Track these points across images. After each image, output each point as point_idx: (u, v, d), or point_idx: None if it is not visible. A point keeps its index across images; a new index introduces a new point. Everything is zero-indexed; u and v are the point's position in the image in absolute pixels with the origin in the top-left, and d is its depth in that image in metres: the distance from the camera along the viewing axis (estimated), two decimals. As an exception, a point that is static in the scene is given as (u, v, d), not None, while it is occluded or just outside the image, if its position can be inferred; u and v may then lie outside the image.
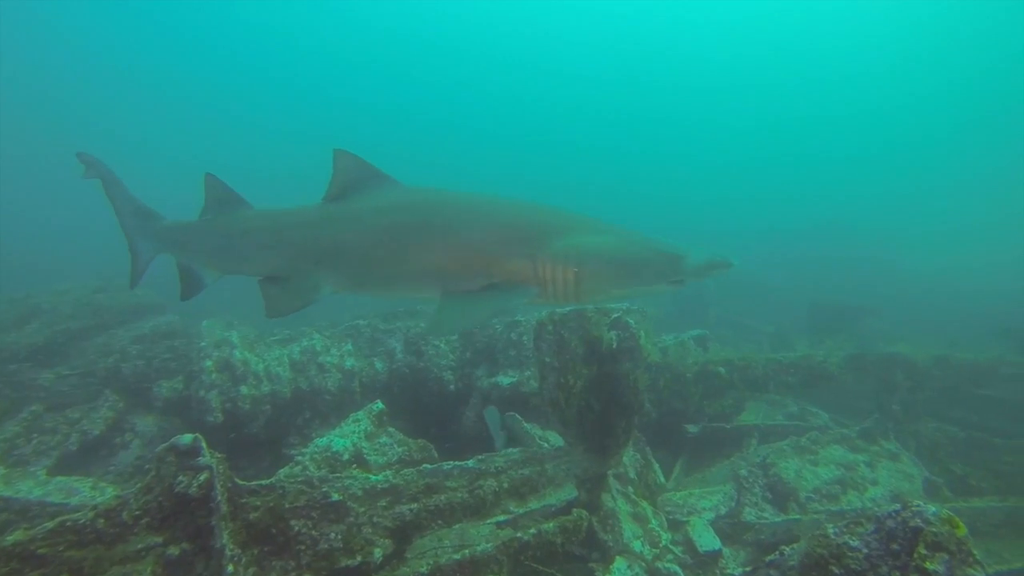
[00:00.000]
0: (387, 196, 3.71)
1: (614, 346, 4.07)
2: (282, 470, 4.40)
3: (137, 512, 2.17)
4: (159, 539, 2.22)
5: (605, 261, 3.30)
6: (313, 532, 3.19)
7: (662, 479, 4.89)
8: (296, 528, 3.12)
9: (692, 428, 5.61)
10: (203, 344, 6.13)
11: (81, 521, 2.12)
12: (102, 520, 2.12)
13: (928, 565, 2.07)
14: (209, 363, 5.85)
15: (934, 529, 2.14)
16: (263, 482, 3.26)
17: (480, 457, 4.12)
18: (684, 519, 4.33)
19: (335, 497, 3.40)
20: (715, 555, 3.93)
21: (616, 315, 4.15)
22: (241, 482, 3.06)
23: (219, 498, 2.39)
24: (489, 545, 3.32)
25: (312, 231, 3.81)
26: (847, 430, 5.38)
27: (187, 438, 2.58)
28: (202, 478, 2.41)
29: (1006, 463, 6.11)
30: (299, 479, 3.43)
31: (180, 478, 2.36)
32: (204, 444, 2.64)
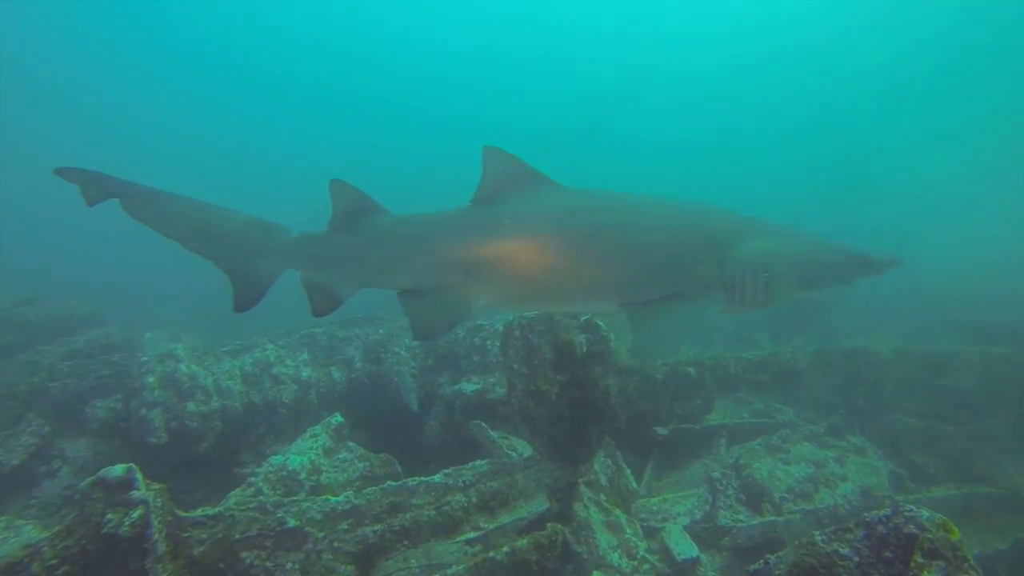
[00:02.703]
0: (549, 198, 3.36)
1: (584, 350, 3.92)
2: (233, 493, 4.10)
3: (53, 562, 1.87)
4: (82, 590, 1.93)
5: (797, 264, 3.13)
6: (267, 563, 2.93)
7: (634, 484, 4.77)
8: (248, 561, 2.85)
9: (662, 430, 5.52)
10: (145, 358, 5.74)
11: (-22, 579, 1.80)
12: (5, 577, 1.81)
13: (926, 574, 1.98)
14: (151, 379, 5.47)
15: (930, 535, 2.06)
16: (210, 511, 2.98)
17: (447, 471, 3.92)
18: (659, 526, 4.22)
19: (291, 523, 3.15)
20: (693, 563, 3.82)
21: (585, 317, 4.01)
22: (183, 513, 2.78)
23: (155, 537, 2.11)
24: (460, 567, 3.12)
25: (462, 239, 3.39)
26: (815, 427, 5.39)
27: (118, 469, 2.29)
28: (135, 515, 2.12)
29: (959, 451, 6.28)
30: (251, 506, 3.16)
31: (109, 516, 2.07)
32: (139, 475, 2.35)
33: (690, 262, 3.06)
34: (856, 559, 2.23)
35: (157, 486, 2.45)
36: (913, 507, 2.18)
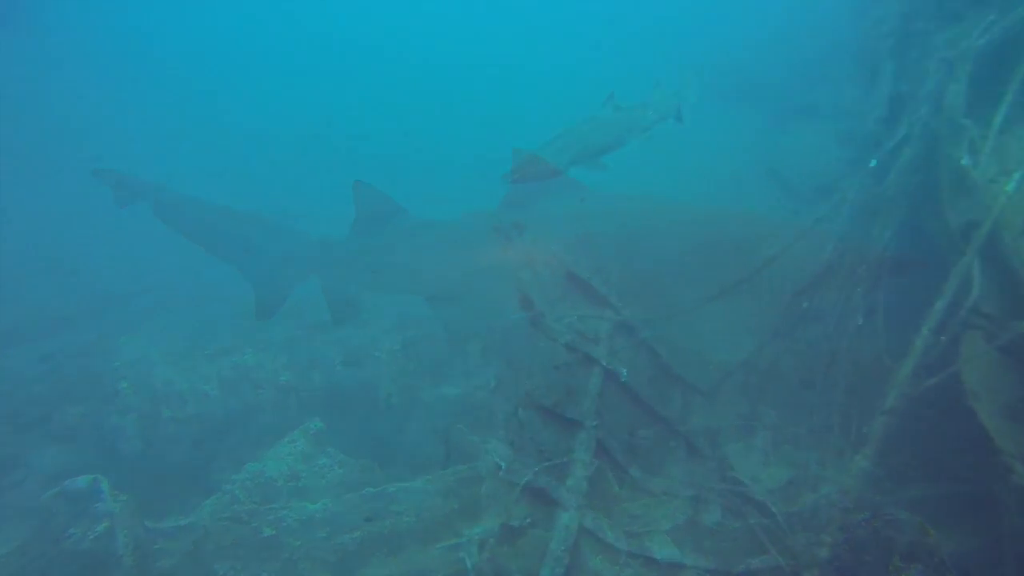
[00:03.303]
0: (579, 202, 3.40)
1: (569, 352, 3.91)
2: (208, 501, 4.00)
3: (9, 582, 1.80)
4: (43, 608, 1.85)
5: (820, 268, 3.31)
6: (242, 575, 2.87)
7: (616, 488, 4.75)
8: (221, 572, 2.79)
9: (645, 433, 5.51)
10: (118, 363, 5.64)
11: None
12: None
13: (904, 578, 1.99)
14: (125, 384, 5.39)
15: (908, 538, 2.07)
16: (182, 522, 2.91)
17: (428, 477, 3.88)
18: (642, 530, 4.20)
19: (267, 532, 3.09)
20: (676, 567, 3.81)
21: (570, 319, 3.99)
22: (153, 524, 2.70)
23: (121, 551, 2.05)
24: (441, 574, 3.08)
25: (494, 242, 3.41)
26: (798, 428, 5.41)
27: (82, 480, 2.22)
28: (100, 528, 2.06)
29: (936, 450, 6.34)
30: (225, 515, 3.10)
31: (71, 531, 2.00)
32: (105, 486, 2.28)
33: (717, 265, 3.09)
34: (837, 563, 2.24)
35: (124, 497, 2.38)
36: (892, 510, 2.19)
